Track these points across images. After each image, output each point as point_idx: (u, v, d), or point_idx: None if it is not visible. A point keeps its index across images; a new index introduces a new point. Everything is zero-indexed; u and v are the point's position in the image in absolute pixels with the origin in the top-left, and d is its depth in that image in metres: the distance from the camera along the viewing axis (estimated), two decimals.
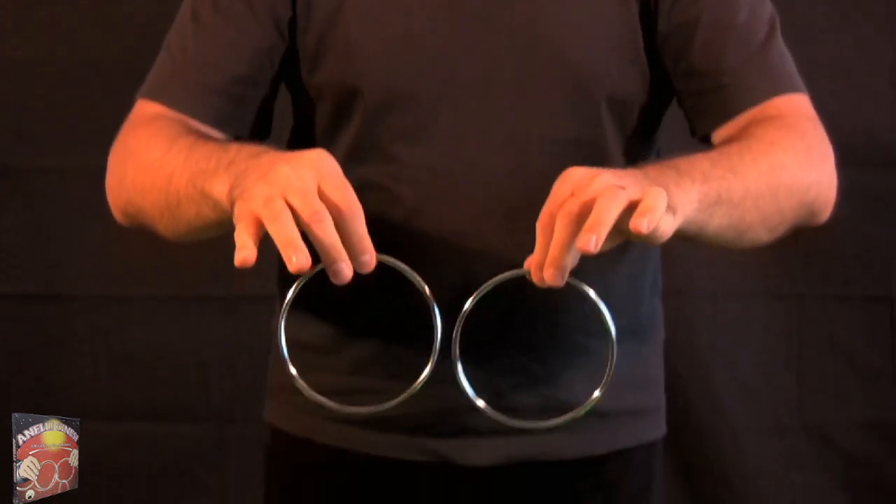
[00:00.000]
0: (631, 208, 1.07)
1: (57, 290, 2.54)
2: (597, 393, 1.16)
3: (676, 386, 2.23)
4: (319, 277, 1.09)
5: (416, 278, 1.15)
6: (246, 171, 1.13)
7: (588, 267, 1.12)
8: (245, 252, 1.04)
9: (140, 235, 1.42)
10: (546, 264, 1.09)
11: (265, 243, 1.06)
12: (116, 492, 2.55)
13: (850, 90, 2.53)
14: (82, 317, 2.55)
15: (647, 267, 1.54)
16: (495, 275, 1.16)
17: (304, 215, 1.05)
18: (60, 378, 2.55)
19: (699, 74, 1.40)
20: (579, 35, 1.39)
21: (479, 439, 1.47)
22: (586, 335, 1.46)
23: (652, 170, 1.18)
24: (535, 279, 1.12)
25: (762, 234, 1.30)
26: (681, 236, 1.18)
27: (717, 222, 1.22)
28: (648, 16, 1.40)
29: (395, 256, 1.14)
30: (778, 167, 1.28)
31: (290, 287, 1.14)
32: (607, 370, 1.15)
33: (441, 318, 1.16)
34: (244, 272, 1.06)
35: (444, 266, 1.37)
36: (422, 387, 1.17)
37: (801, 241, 1.68)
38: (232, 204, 1.12)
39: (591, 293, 1.14)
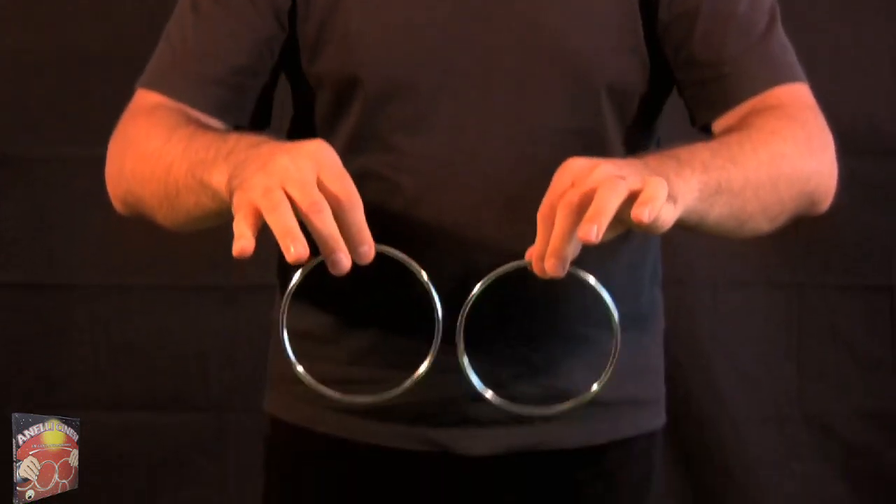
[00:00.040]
0: (631, 198, 1.07)
1: (57, 280, 2.54)
2: (605, 376, 1.16)
3: (677, 376, 2.23)
4: (319, 268, 1.09)
5: (416, 268, 1.15)
6: (245, 162, 1.13)
7: (588, 257, 1.12)
8: (243, 242, 1.04)
9: (140, 225, 1.42)
10: (547, 255, 1.09)
11: (265, 233, 1.06)
12: (116, 481, 2.55)
13: (850, 79, 2.53)
14: (82, 306, 2.55)
15: (647, 256, 1.54)
16: (495, 265, 1.16)
17: (303, 206, 1.05)
18: (60, 367, 2.55)
19: (700, 64, 1.39)
20: (579, 24, 1.38)
21: (480, 429, 1.47)
22: (586, 325, 1.46)
23: (652, 160, 1.18)
24: (536, 270, 1.12)
25: (763, 224, 1.30)
26: (681, 226, 1.18)
27: (718, 212, 1.22)
28: (648, 5, 1.40)
29: (395, 246, 1.14)
30: (778, 157, 1.28)
31: (290, 277, 1.13)
32: (612, 353, 1.15)
33: (441, 307, 1.15)
34: (243, 262, 1.06)
35: (443, 256, 1.37)
36: (423, 377, 1.17)
37: (802, 230, 1.68)
38: (231, 194, 1.12)
39: (592, 280, 1.14)
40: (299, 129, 1.50)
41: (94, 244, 2.51)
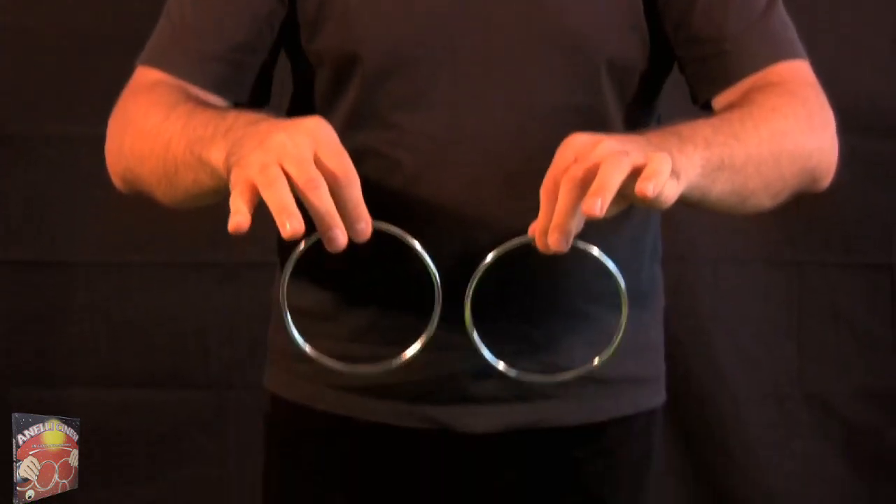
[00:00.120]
0: (635, 174, 1.07)
1: (56, 257, 2.54)
2: (615, 342, 1.16)
3: (677, 353, 2.23)
4: (319, 245, 1.09)
5: (415, 244, 1.15)
6: (243, 139, 1.13)
7: (590, 231, 1.12)
8: (238, 218, 1.04)
9: (139, 202, 1.42)
10: (551, 229, 1.09)
11: (265, 210, 1.05)
12: (115, 459, 2.56)
13: (851, 56, 2.53)
14: (81, 284, 2.55)
15: (648, 233, 1.54)
16: (495, 242, 1.16)
17: (300, 182, 1.05)
18: (60, 344, 2.55)
19: (700, 41, 1.39)
20: (579, 1, 1.38)
21: (480, 406, 1.47)
22: (587, 301, 1.46)
23: (654, 136, 1.18)
24: (539, 245, 1.12)
25: (764, 200, 1.30)
26: (684, 202, 1.18)
27: (720, 188, 1.22)
28: None
29: (395, 223, 1.14)
30: (779, 134, 1.28)
31: (290, 254, 1.13)
32: (621, 321, 1.15)
33: (441, 283, 1.15)
34: (243, 239, 1.06)
35: (443, 233, 1.37)
36: (422, 353, 1.17)
37: (803, 207, 1.67)
38: (229, 171, 1.12)
39: (596, 251, 1.14)
40: (299, 107, 1.49)
41: (93, 222, 2.51)
